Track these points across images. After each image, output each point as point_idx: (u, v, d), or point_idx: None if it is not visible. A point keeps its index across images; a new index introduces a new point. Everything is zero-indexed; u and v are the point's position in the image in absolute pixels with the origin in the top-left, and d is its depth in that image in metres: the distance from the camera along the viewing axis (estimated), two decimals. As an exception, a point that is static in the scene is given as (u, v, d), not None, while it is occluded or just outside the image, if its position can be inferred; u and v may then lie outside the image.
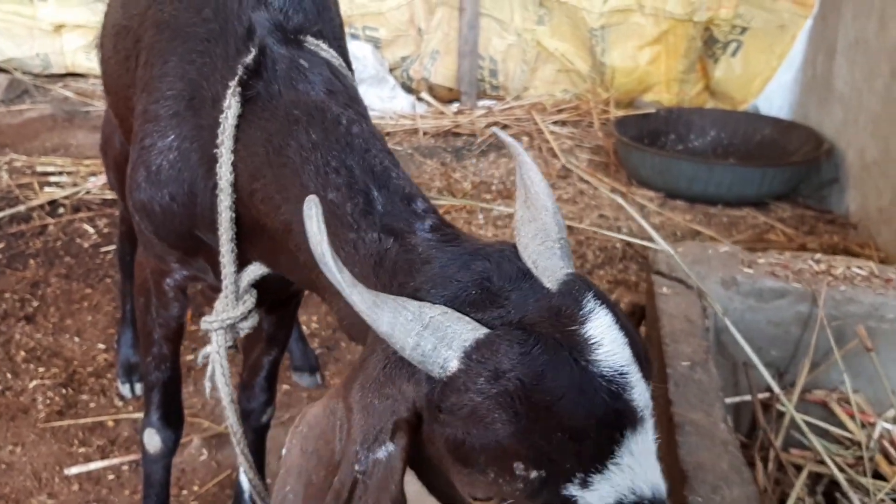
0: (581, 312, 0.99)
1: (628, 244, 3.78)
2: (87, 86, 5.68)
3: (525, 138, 4.83)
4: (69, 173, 4.22)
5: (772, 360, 2.01)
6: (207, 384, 1.60)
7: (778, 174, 4.29)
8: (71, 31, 5.59)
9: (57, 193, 3.97)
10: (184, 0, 1.55)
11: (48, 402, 2.62)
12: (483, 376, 0.94)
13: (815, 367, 2.02)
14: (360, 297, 0.99)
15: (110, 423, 2.55)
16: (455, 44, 5.35)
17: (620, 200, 2.26)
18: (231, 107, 1.37)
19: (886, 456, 1.98)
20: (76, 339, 2.95)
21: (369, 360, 1.07)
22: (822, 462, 1.93)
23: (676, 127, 4.83)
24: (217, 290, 1.64)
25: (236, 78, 1.39)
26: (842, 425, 2.02)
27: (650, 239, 2.14)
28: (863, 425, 2.02)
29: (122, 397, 2.66)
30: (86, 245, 3.59)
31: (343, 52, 1.61)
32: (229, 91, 1.38)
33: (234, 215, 1.41)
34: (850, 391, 1.99)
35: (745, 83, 5.05)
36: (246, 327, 1.56)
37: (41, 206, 3.85)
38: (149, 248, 1.65)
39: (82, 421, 2.54)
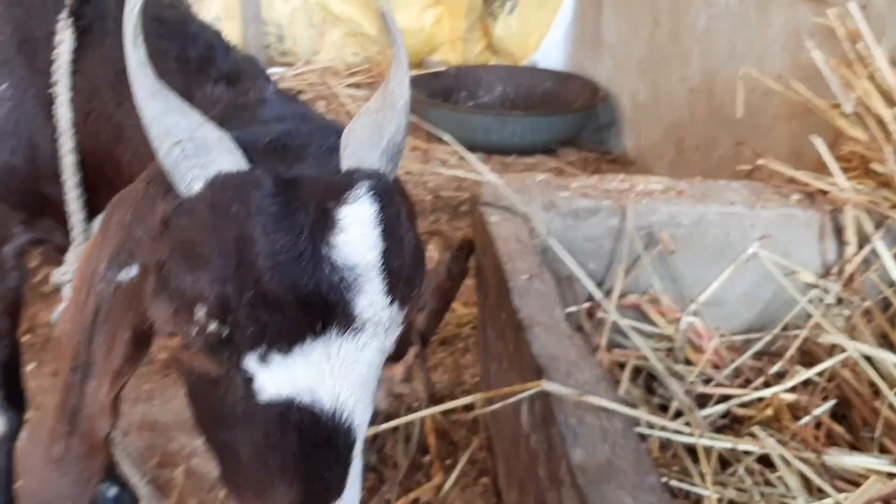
0: (346, 195, 0.93)
1: (437, 197, 3.97)
2: None
3: (321, 103, 4.84)
4: None
5: (590, 273, 2.21)
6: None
7: (563, 121, 4.62)
8: None
9: None
10: None
11: None
12: (212, 206, 0.90)
13: (627, 273, 2.25)
14: (143, 76, 0.92)
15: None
16: (237, 9, 5.23)
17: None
18: (65, 40, 1.31)
19: (691, 344, 2.26)
20: None
21: (138, 179, 1.01)
22: (641, 357, 2.17)
23: (466, 84, 5.05)
24: (64, 250, 1.57)
25: (66, 9, 1.33)
26: (653, 323, 2.27)
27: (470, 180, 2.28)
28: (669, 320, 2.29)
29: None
30: None
31: None
32: (59, 24, 1.32)
33: (78, 158, 1.36)
34: (660, 292, 2.24)
35: (523, 40, 5.35)
36: (100, 279, 1.50)
37: None
38: None
39: None
